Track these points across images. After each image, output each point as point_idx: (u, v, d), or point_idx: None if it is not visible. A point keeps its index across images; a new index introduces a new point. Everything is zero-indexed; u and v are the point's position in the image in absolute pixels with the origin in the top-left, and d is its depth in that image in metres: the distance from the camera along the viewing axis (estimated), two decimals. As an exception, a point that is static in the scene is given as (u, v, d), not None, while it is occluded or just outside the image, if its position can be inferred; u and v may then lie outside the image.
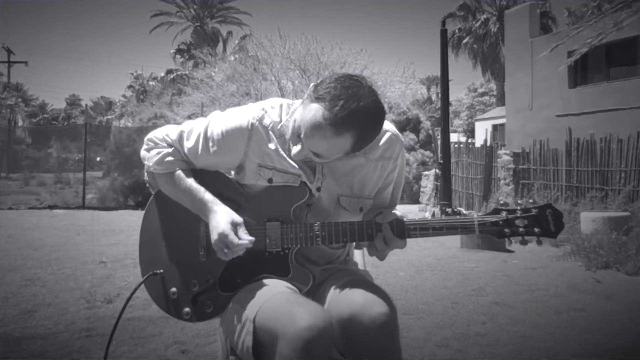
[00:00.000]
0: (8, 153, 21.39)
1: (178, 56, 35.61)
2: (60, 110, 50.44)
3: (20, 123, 41.28)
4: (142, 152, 1.59)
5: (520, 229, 1.42)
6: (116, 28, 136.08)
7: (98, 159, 18.94)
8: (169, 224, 1.59)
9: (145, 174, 1.62)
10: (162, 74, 34.89)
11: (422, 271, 5.11)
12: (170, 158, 1.54)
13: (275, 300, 1.34)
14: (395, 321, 1.34)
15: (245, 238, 1.42)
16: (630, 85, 12.80)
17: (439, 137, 11.41)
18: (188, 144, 1.54)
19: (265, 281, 1.46)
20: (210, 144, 1.50)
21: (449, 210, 9.64)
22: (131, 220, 9.22)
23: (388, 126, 1.55)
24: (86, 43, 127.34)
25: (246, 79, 16.08)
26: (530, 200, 1.46)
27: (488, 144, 11.01)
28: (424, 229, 1.43)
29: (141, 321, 3.39)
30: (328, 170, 1.51)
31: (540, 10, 17.51)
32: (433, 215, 9.92)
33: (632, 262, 5.18)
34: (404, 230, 1.44)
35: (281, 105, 1.53)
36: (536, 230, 1.42)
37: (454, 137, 23.11)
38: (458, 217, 1.45)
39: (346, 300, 1.37)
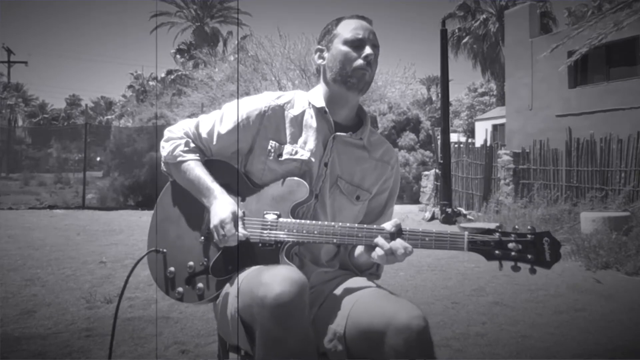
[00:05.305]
0: (8, 153, 21.44)
1: (178, 56, 35.62)
2: (60, 110, 50.35)
3: (20, 123, 41.27)
4: (161, 144, 1.68)
5: (513, 253, 1.37)
6: (116, 28, 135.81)
7: (98, 159, 18.95)
8: (177, 209, 1.67)
9: (162, 164, 1.69)
10: (163, 75, 34.89)
11: (422, 271, 5.11)
12: (182, 148, 1.61)
13: (250, 276, 1.38)
14: (428, 327, 1.32)
15: (241, 231, 1.48)
16: (630, 85, 12.79)
17: (439, 137, 11.41)
18: (205, 127, 1.62)
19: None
20: (226, 120, 1.59)
21: (449, 210, 9.64)
22: (131, 220, 9.22)
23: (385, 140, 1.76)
24: (86, 43, 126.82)
25: (246, 79, 16.08)
26: (529, 227, 1.40)
27: (488, 144, 11.00)
28: (412, 240, 1.41)
29: (141, 321, 3.39)
30: (335, 152, 1.58)
31: (540, 11, 17.51)
32: (433, 215, 9.90)
33: (632, 262, 5.18)
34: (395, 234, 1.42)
35: (295, 92, 1.67)
36: (529, 256, 1.36)
37: (454, 137, 23.07)
38: (449, 232, 1.40)
39: (379, 309, 1.35)
